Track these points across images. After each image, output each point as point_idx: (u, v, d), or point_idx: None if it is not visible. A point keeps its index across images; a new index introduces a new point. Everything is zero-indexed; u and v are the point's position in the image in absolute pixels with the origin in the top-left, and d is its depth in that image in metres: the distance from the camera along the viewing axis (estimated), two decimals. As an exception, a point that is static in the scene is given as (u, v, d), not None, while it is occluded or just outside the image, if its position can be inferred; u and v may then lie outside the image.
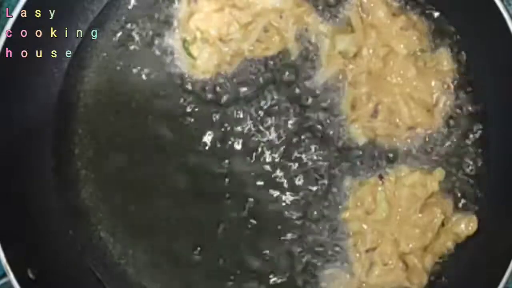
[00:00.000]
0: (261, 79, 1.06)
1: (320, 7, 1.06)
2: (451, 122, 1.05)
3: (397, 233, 1.01)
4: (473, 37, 1.04)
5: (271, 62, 1.06)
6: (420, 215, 1.02)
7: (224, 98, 1.06)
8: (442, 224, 1.02)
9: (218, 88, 1.06)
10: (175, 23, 1.07)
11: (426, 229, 1.01)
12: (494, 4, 0.95)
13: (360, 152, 1.04)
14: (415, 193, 1.02)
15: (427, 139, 1.04)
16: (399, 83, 1.04)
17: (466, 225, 1.02)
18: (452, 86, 1.05)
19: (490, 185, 1.04)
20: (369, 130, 1.04)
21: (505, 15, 0.95)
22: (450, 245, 1.03)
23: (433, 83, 1.04)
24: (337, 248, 1.03)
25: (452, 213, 1.03)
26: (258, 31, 1.04)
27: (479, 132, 1.05)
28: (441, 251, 1.03)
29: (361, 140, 1.04)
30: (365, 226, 1.02)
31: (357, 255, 1.02)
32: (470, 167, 1.05)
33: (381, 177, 1.03)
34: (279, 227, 1.05)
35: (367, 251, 1.02)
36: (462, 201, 1.04)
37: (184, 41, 1.06)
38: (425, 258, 1.02)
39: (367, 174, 1.04)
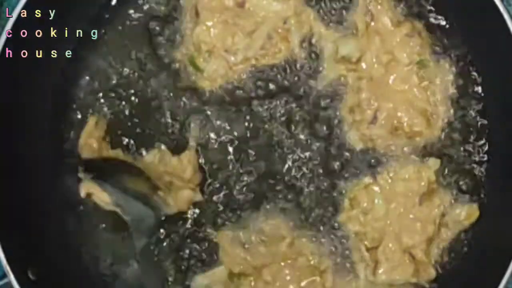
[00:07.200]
0: (266, 86, 1.06)
1: (323, 12, 1.06)
2: (450, 130, 1.05)
3: (398, 229, 1.02)
4: (474, 37, 1.04)
5: (276, 69, 1.05)
6: (419, 208, 1.02)
7: (232, 107, 1.06)
8: (443, 215, 1.02)
9: (225, 98, 1.06)
10: (179, 37, 1.06)
11: (426, 221, 1.01)
12: (494, 4, 0.95)
13: (357, 157, 1.04)
14: (411, 186, 1.02)
15: (426, 147, 1.04)
16: (400, 91, 1.04)
17: (468, 213, 1.03)
18: (452, 95, 1.05)
19: (490, 177, 1.05)
20: (367, 137, 1.04)
21: (505, 16, 0.95)
22: (454, 235, 1.03)
23: (433, 92, 1.04)
24: (338, 250, 1.04)
25: (452, 202, 1.03)
26: (262, 38, 1.04)
27: (480, 136, 1.06)
28: (446, 242, 1.03)
29: (358, 146, 1.04)
30: (364, 226, 1.02)
31: (360, 255, 1.02)
32: (469, 163, 1.05)
33: (374, 176, 1.03)
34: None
35: (370, 250, 1.02)
36: (462, 191, 1.04)
37: (190, 55, 1.05)
38: (430, 251, 1.02)
39: (362, 176, 1.04)
